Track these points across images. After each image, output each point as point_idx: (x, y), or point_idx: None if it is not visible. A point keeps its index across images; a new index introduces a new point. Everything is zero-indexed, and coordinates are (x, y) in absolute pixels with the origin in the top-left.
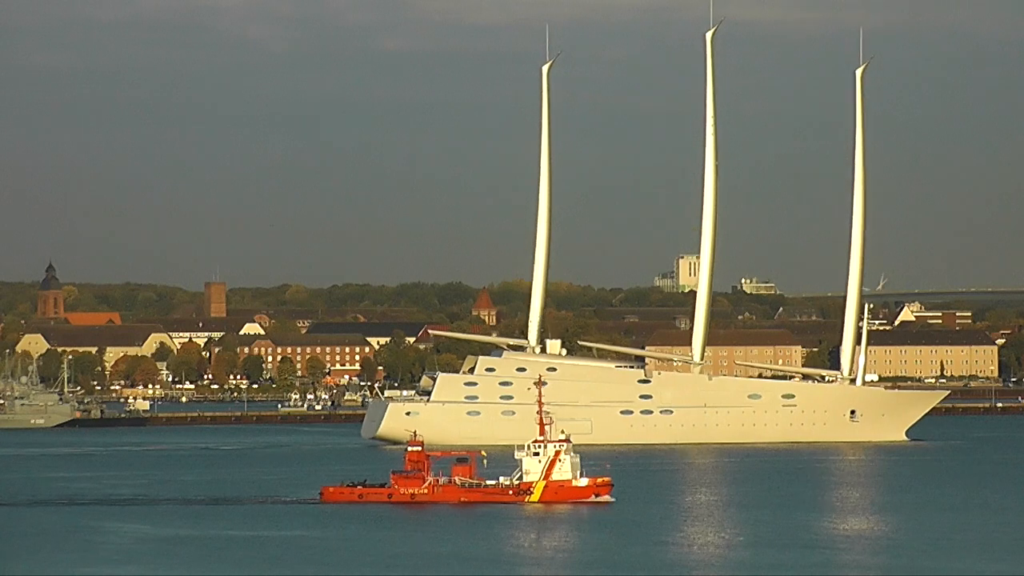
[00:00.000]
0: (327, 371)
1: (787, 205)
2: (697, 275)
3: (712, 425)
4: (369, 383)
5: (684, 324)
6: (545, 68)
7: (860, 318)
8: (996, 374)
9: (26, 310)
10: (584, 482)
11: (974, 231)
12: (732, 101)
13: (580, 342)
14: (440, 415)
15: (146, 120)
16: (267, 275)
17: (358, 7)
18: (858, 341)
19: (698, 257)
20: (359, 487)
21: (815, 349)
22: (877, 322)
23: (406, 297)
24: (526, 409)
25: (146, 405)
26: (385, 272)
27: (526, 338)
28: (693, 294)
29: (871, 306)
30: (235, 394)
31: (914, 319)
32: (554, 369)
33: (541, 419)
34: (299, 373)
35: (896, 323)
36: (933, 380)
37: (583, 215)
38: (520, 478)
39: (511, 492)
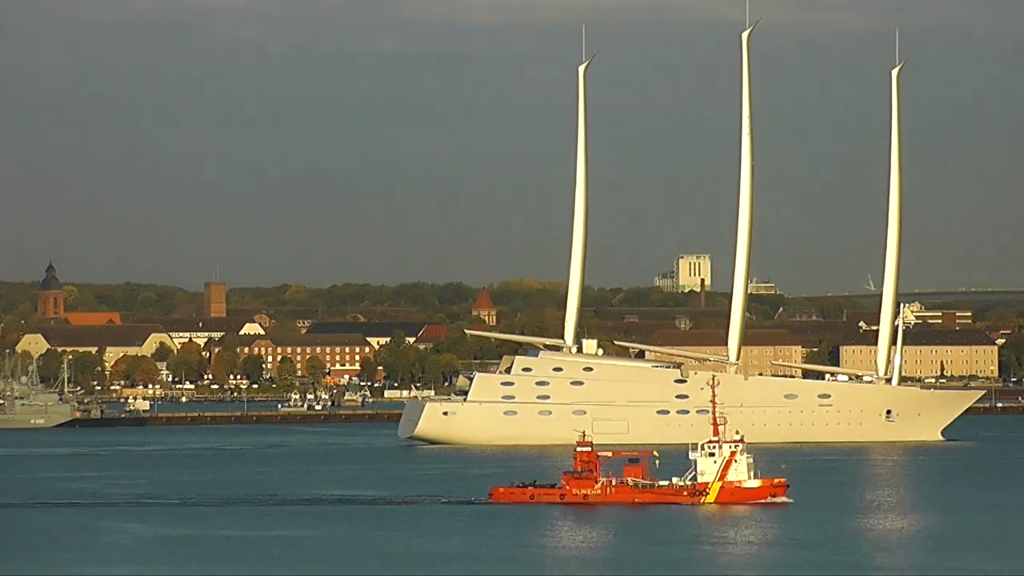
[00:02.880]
0: (327, 371)
1: (787, 205)
2: (697, 275)
3: (748, 425)
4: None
5: (684, 324)
6: (582, 68)
7: (895, 318)
8: (996, 374)
9: (26, 310)
10: (757, 483)
11: (974, 231)
12: (733, 102)
13: (616, 342)
14: (477, 415)
15: (145, 120)
16: (267, 275)
17: (353, 7)
18: (893, 341)
19: (698, 257)
20: (530, 488)
21: (815, 349)
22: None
23: (406, 297)
24: (563, 409)
25: (146, 405)
26: (385, 272)
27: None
28: (693, 294)
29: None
30: (235, 394)
31: (914, 319)
32: (590, 369)
33: (715, 419)
34: (299, 373)
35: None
36: (933, 380)
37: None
38: (694, 479)
39: (686, 493)
